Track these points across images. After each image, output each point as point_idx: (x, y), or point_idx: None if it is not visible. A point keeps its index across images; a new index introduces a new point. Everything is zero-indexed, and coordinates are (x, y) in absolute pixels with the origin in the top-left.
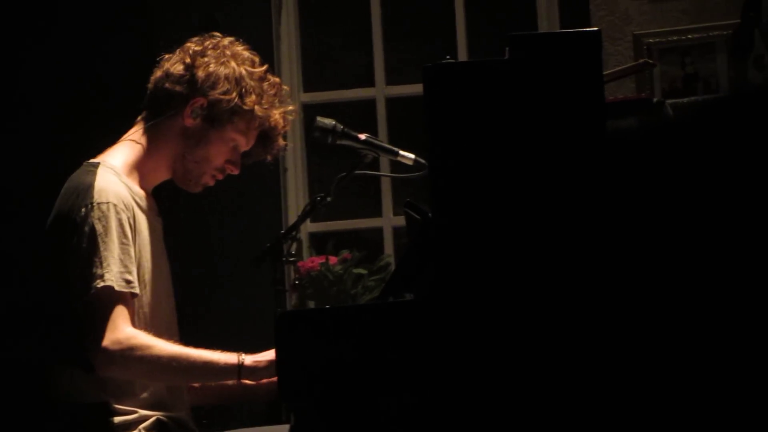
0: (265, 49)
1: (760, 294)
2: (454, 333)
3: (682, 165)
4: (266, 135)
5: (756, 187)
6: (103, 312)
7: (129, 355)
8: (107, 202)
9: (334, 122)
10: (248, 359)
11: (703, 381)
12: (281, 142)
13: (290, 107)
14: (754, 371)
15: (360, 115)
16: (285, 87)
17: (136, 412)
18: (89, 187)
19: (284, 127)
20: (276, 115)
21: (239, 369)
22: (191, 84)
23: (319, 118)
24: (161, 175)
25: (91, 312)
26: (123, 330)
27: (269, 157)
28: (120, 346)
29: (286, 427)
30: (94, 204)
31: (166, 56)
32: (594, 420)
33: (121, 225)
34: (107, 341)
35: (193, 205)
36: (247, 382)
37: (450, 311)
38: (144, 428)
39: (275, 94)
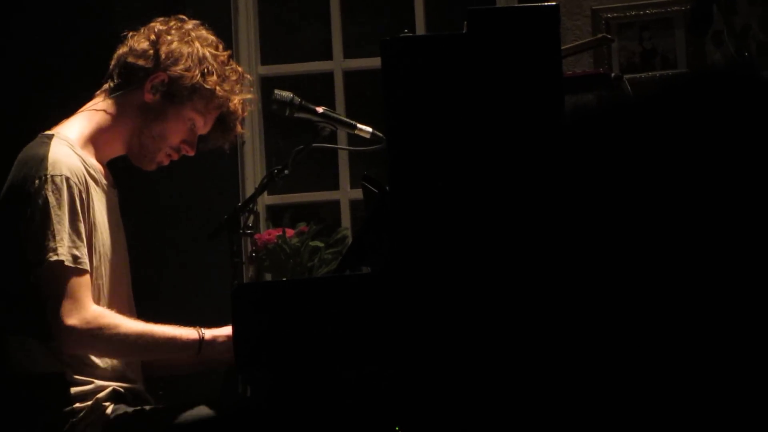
0: (223, 22)
1: (729, 279)
2: (410, 305)
3: (641, 142)
4: (224, 120)
5: (715, 166)
6: (61, 287)
7: (97, 334)
8: (61, 175)
9: (291, 95)
10: (208, 333)
11: (691, 379)
12: (239, 129)
13: (250, 95)
14: (754, 369)
15: (318, 88)
16: (247, 75)
17: (92, 382)
18: (43, 159)
19: (243, 114)
20: (236, 100)
21: (200, 344)
22: (154, 59)
23: (276, 91)
24: (117, 149)
25: (48, 286)
26: (89, 309)
27: (226, 145)
28: (88, 325)
29: (242, 398)
30: (48, 176)
31: (131, 33)
32: (543, 399)
33: (73, 200)
34: (74, 320)
35: (149, 178)
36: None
37: (406, 284)
38: (100, 399)
39: (236, 80)
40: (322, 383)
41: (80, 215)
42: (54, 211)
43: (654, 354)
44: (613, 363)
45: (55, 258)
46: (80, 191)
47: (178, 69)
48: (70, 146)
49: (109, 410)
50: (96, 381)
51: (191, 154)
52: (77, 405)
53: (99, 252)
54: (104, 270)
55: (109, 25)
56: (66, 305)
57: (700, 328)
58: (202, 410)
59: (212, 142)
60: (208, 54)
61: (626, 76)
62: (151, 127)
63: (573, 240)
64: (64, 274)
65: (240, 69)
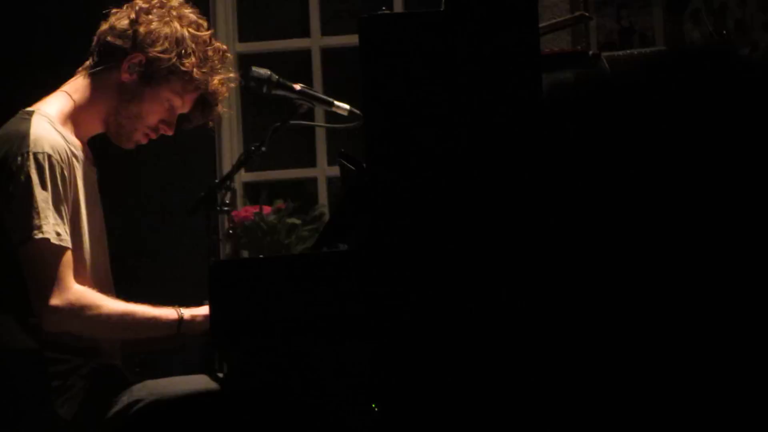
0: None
1: (712, 261)
2: (387, 283)
3: (619, 119)
4: (204, 100)
5: (693, 147)
6: (45, 266)
7: (79, 314)
8: (43, 152)
9: (269, 72)
10: (187, 313)
11: (682, 376)
12: (220, 108)
13: (231, 75)
14: (753, 367)
15: (295, 65)
16: (229, 55)
17: (69, 360)
18: (25, 136)
19: (224, 94)
20: (216, 80)
21: (179, 323)
22: (132, 39)
23: (254, 68)
24: (95, 128)
25: (31, 264)
26: (71, 288)
27: (209, 124)
28: (70, 305)
29: (219, 375)
30: (30, 153)
31: (114, 10)
32: (518, 371)
33: (55, 177)
34: (57, 300)
35: (126, 155)
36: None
37: (384, 261)
38: (77, 376)
39: (218, 60)
40: (298, 360)
41: (62, 193)
42: (37, 188)
43: (645, 350)
44: (598, 345)
45: (40, 236)
46: (62, 168)
47: (156, 50)
48: (51, 123)
49: (85, 388)
50: (73, 358)
51: (170, 133)
52: (54, 382)
53: (80, 230)
54: (85, 248)
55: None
56: (49, 284)
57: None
58: (179, 386)
59: (194, 122)
60: (187, 34)
61: (604, 54)
62: (128, 107)
63: (551, 218)
64: (49, 252)
65: (223, 48)
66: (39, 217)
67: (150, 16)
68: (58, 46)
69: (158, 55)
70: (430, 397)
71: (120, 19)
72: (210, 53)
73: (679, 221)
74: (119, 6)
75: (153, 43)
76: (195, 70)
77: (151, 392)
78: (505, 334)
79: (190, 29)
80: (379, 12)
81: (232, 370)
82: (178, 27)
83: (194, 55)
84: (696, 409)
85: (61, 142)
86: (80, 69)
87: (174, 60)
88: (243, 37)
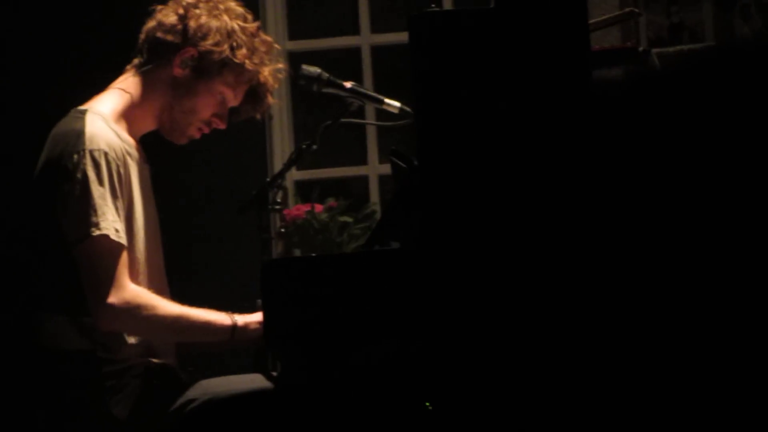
0: None
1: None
2: (440, 281)
3: (669, 116)
4: (255, 92)
5: (743, 140)
6: (102, 264)
7: (135, 314)
8: (99, 149)
9: (319, 70)
10: (240, 320)
11: (689, 371)
12: (270, 100)
13: (280, 65)
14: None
15: (345, 63)
16: (276, 46)
17: (123, 359)
18: (80, 134)
19: (273, 85)
20: (266, 72)
21: (233, 330)
22: (183, 34)
23: (304, 66)
24: (148, 125)
25: (89, 262)
26: (128, 287)
27: (258, 115)
28: (127, 305)
29: (272, 375)
30: (86, 150)
31: (159, 7)
32: (571, 373)
33: (112, 174)
34: (113, 298)
35: (178, 153)
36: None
37: (436, 259)
38: (130, 375)
39: (266, 52)
40: (352, 359)
41: (118, 190)
42: (94, 185)
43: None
44: (640, 339)
45: (98, 232)
46: (118, 166)
47: (207, 44)
48: (105, 121)
49: (139, 387)
50: (127, 358)
51: (222, 127)
52: (108, 382)
53: (135, 228)
54: (140, 246)
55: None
56: (106, 282)
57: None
58: (233, 386)
59: (244, 114)
60: (236, 27)
61: (654, 50)
62: (181, 102)
63: (603, 214)
64: (106, 249)
65: (269, 39)
66: (96, 214)
67: (198, 10)
68: (107, 44)
69: (211, 48)
70: (484, 396)
71: (167, 15)
72: (258, 44)
73: (729, 216)
74: (163, 2)
75: (204, 37)
76: (247, 61)
77: (205, 392)
78: (561, 332)
79: (239, 21)
80: (429, 9)
81: (285, 368)
82: (227, 20)
83: (245, 47)
84: (687, 406)
85: (116, 139)
86: (129, 66)
87: (226, 52)
88: (293, 36)
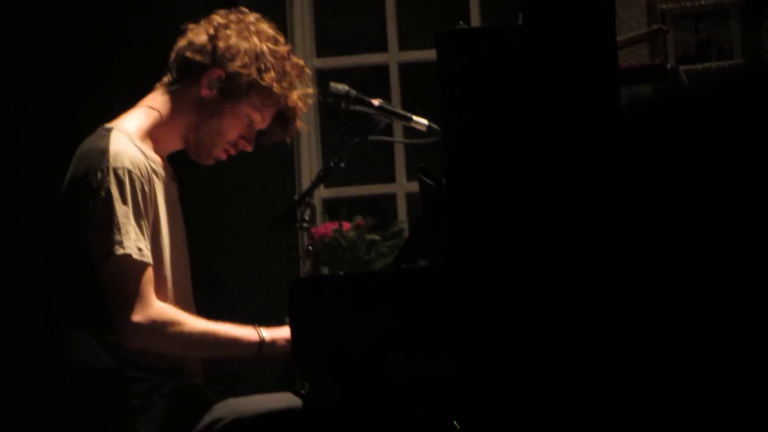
0: (278, 14)
1: None
2: (468, 299)
3: (699, 133)
4: (283, 116)
5: None
6: (126, 282)
7: (161, 331)
8: (123, 167)
9: (347, 88)
10: (267, 336)
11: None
12: (299, 124)
13: (310, 90)
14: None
15: (373, 80)
16: (307, 70)
17: (150, 378)
18: (104, 152)
19: (302, 109)
20: (294, 95)
21: (260, 346)
22: (211, 54)
23: (332, 84)
24: (174, 144)
25: (113, 281)
26: (153, 305)
27: (287, 139)
28: (152, 322)
29: (300, 393)
30: (110, 168)
31: (191, 26)
32: (601, 392)
33: (135, 192)
34: (139, 316)
35: (206, 171)
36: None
37: (464, 277)
38: (159, 395)
39: (297, 76)
40: (379, 377)
41: (143, 208)
42: (117, 203)
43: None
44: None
45: (121, 251)
46: (142, 183)
47: (235, 65)
48: (130, 138)
49: (167, 406)
50: (155, 377)
51: (249, 149)
52: (136, 401)
53: (161, 245)
54: (166, 263)
55: (166, 17)
56: (131, 301)
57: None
58: (260, 405)
59: (272, 137)
60: (266, 49)
61: (682, 67)
62: (207, 123)
63: (632, 231)
64: (131, 268)
65: (300, 63)
66: (120, 233)
67: (228, 31)
68: (136, 61)
69: (238, 70)
70: (512, 414)
71: (198, 35)
72: (288, 68)
73: (760, 233)
74: (196, 22)
75: (233, 58)
76: (275, 84)
77: (233, 411)
78: (591, 351)
79: (269, 44)
80: (457, 27)
81: (313, 387)
82: (257, 42)
83: (273, 70)
84: (698, 406)
85: (141, 157)
86: (158, 84)
87: (254, 75)
88: (321, 53)
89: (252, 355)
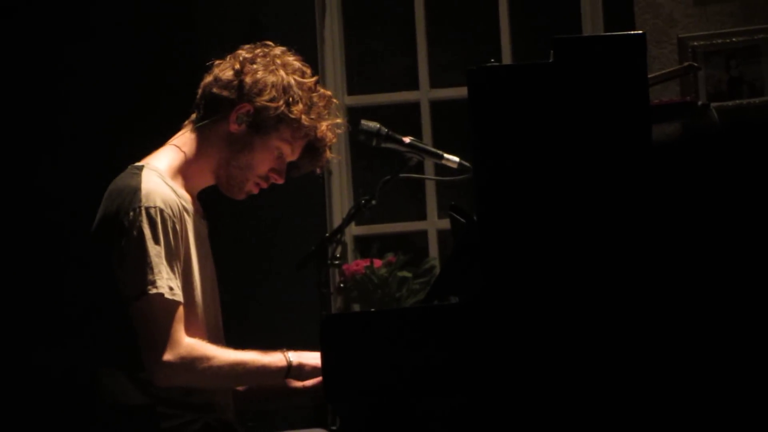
0: (309, 52)
1: None
2: (500, 336)
3: (731, 170)
4: (313, 147)
5: None
6: (157, 322)
7: (190, 367)
8: (155, 206)
9: (378, 125)
10: (295, 359)
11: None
12: (328, 154)
13: (338, 120)
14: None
15: (404, 118)
16: (335, 100)
17: (182, 415)
18: (136, 191)
19: (332, 139)
20: (323, 126)
21: (287, 370)
22: (238, 90)
23: (363, 121)
24: (205, 180)
25: (144, 320)
26: (183, 343)
27: (317, 170)
28: (182, 360)
29: (332, 430)
30: (142, 207)
31: (217, 62)
32: (644, 424)
33: (167, 231)
34: (169, 355)
35: (237, 208)
36: (294, 383)
37: (496, 314)
38: (191, 431)
39: (324, 106)
40: (411, 414)
41: (174, 247)
42: (150, 243)
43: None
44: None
45: (154, 291)
46: (174, 222)
47: (263, 99)
48: (161, 177)
49: None
50: (186, 413)
51: (280, 182)
52: None
53: (191, 283)
54: (198, 301)
55: (194, 54)
56: (162, 340)
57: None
58: None
59: (303, 169)
60: (293, 82)
61: (713, 105)
62: (238, 158)
63: (665, 272)
64: (161, 307)
65: (328, 94)
66: (153, 273)
67: (255, 66)
68: (164, 99)
69: (266, 104)
70: None
71: (224, 71)
72: (316, 99)
73: None
74: (221, 57)
75: (260, 92)
76: (303, 117)
77: None
78: (627, 388)
79: (296, 76)
80: (488, 64)
81: (345, 423)
82: (284, 75)
83: (301, 102)
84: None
85: (172, 196)
86: (187, 122)
87: (282, 108)
88: (351, 90)
89: (281, 379)
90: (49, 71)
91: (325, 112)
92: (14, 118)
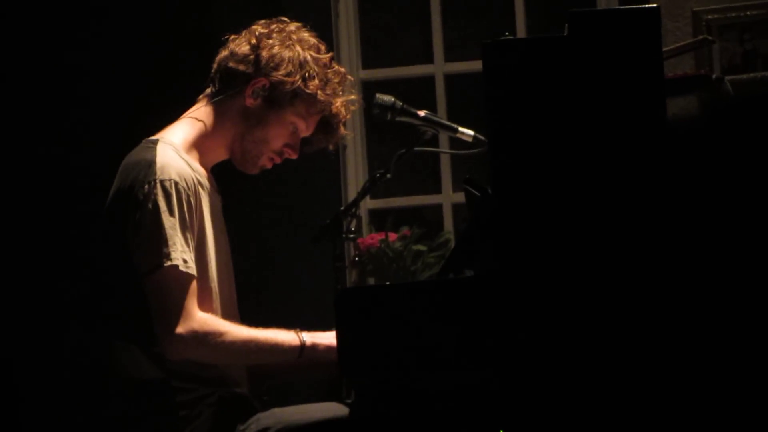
0: (324, 27)
1: None
2: (514, 309)
3: (744, 143)
4: (327, 123)
5: None
6: (171, 294)
7: (203, 341)
8: (170, 179)
9: (393, 99)
10: (308, 340)
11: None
12: (342, 131)
13: (353, 97)
14: None
15: (419, 91)
16: (349, 77)
17: (196, 389)
18: (151, 164)
19: (346, 116)
20: (338, 102)
21: (301, 349)
22: (255, 64)
23: (378, 95)
24: (219, 155)
25: (158, 293)
26: (196, 317)
27: (331, 146)
28: (194, 334)
29: (347, 402)
30: (157, 180)
31: (232, 37)
32: (658, 396)
33: (182, 204)
34: (182, 328)
35: (252, 183)
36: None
37: (510, 287)
38: (205, 405)
39: (339, 82)
40: (426, 387)
41: (188, 220)
42: (165, 216)
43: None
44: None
45: (168, 263)
46: (188, 196)
47: (279, 74)
48: (176, 150)
49: (213, 417)
50: (200, 387)
51: (294, 157)
52: (182, 411)
53: (206, 257)
54: (210, 275)
55: (208, 29)
56: (175, 313)
57: None
58: (306, 414)
59: (316, 144)
60: (309, 57)
61: (727, 78)
62: (252, 132)
63: (678, 242)
64: (176, 279)
65: (342, 70)
66: (167, 245)
67: (271, 41)
68: (178, 74)
69: (282, 78)
70: (560, 424)
71: (240, 45)
72: (331, 75)
73: None
74: (236, 32)
75: (276, 67)
76: (319, 92)
77: (279, 420)
78: (646, 363)
79: (312, 52)
80: (503, 37)
81: (359, 397)
82: (300, 50)
83: (317, 78)
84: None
85: (187, 169)
86: (201, 96)
87: (298, 83)
88: (366, 64)
89: (294, 358)
90: (65, 47)
91: (340, 88)
92: (31, 95)
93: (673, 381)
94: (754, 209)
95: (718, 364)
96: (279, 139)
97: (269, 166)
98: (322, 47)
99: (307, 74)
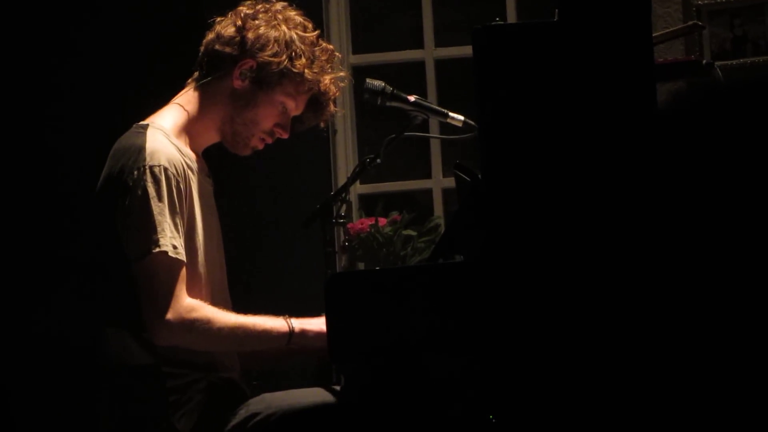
0: (315, 12)
1: None
2: (503, 294)
3: (735, 130)
4: (317, 101)
5: None
6: (160, 280)
7: (192, 328)
8: (159, 165)
9: (383, 84)
10: (297, 326)
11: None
12: (332, 108)
13: (341, 73)
14: None
15: (409, 77)
16: (337, 54)
17: (187, 374)
18: (140, 149)
19: (335, 93)
20: (327, 80)
21: (290, 336)
22: (241, 46)
23: (368, 80)
24: (210, 138)
25: (147, 279)
26: (184, 303)
27: (321, 124)
28: (182, 320)
29: (336, 387)
30: (146, 166)
31: (218, 19)
32: (645, 391)
33: (171, 190)
34: (170, 314)
35: (242, 167)
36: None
37: (500, 272)
38: (195, 390)
39: (327, 60)
40: (415, 373)
41: (178, 206)
42: (154, 201)
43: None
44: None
45: (157, 249)
46: (178, 181)
47: (266, 54)
48: (166, 135)
49: (203, 402)
50: (191, 372)
51: (285, 137)
52: (172, 397)
53: (196, 242)
54: (200, 260)
55: (198, 12)
56: (163, 299)
57: None
58: (296, 399)
59: (306, 123)
60: (295, 36)
61: (717, 63)
62: (242, 114)
63: (667, 229)
64: (165, 265)
65: (330, 47)
66: (156, 231)
67: (257, 21)
68: (166, 58)
69: (269, 59)
70: (547, 408)
71: (226, 27)
72: (318, 53)
73: None
74: (222, 14)
75: (263, 48)
76: (306, 71)
77: (269, 405)
78: (633, 347)
79: (298, 31)
80: (493, 23)
81: (349, 382)
82: (286, 29)
83: (304, 56)
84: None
85: (177, 154)
86: (190, 80)
87: (285, 62)
88: (357, 49)
89: (282, 345)
90: (52, 30)
91: (328, 65)
92: (18, 78)
93: (663, 368)
94: (745, 195)
95: (707, 345)
96: (269, 120)
97: (261, 146)
98: (309, 25)
99: (293, 53)
